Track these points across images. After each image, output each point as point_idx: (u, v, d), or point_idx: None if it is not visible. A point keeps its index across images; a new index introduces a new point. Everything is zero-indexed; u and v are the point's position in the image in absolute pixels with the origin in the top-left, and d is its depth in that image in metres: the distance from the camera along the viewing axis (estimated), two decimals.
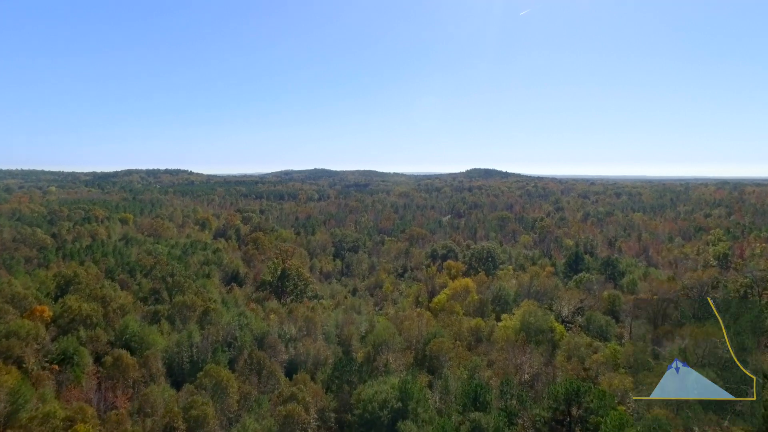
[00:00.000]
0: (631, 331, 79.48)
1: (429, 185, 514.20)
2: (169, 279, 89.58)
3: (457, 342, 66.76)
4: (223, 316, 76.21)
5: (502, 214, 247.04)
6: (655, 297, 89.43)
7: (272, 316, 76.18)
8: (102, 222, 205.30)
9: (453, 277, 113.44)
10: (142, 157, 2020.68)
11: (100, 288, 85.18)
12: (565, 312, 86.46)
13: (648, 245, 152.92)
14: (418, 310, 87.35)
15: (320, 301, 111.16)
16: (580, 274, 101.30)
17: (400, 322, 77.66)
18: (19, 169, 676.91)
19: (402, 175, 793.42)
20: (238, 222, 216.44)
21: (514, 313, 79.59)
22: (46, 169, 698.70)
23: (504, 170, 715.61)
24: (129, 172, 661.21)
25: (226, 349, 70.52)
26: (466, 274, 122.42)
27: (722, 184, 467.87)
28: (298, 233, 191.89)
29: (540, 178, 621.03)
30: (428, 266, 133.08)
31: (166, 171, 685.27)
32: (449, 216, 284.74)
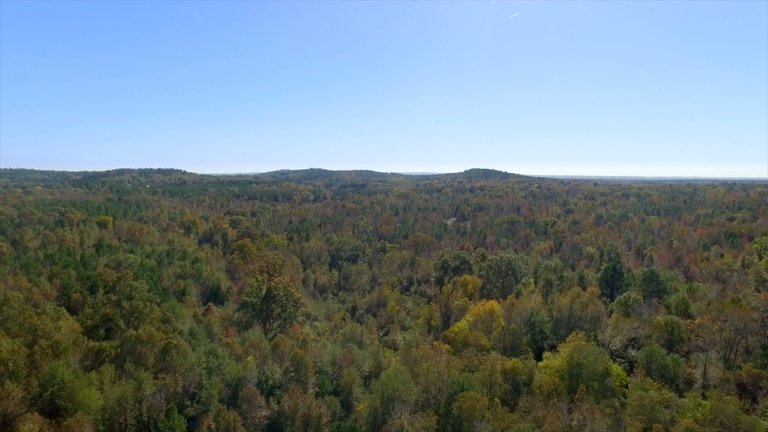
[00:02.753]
0: (705, 374, 63.04)
1: (429, 186, 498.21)
2: (126, 303, 72.39)
3: (495, 400, 50.01)
4: (188, 356, 59.33)
5: (510, 218, 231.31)
6: (720, 323, 73.15)
7: (250, 358, 59.18)
8: (77, 226, 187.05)
9: (469, 295, 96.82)
10: (138, 157, 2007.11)
11: (38, 316, 68.19)
12: (615, 345, 69.94)
13: (682, 254, 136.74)
14: (435, 342, 70.61)
15: (313, 323, 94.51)
16: (624, 294, 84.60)
17: (413, 363, 61.12)
18: (8, 168, 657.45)
19: (400, 175, 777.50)
20: (227, 226, 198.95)
21: (558, 351, 62.96)
22: (38, 168, 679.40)
23: (503, 170, 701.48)
24: (120, 172, 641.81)
25: (188, 403, 53.78)
26: (482, 289, 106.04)
27: (730, 185, 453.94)
28: (291, 239, 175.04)
29: (540, 179, 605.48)
30: (438, 279, 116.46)
31: (159, 170, 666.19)
32: (453, 219, 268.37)
